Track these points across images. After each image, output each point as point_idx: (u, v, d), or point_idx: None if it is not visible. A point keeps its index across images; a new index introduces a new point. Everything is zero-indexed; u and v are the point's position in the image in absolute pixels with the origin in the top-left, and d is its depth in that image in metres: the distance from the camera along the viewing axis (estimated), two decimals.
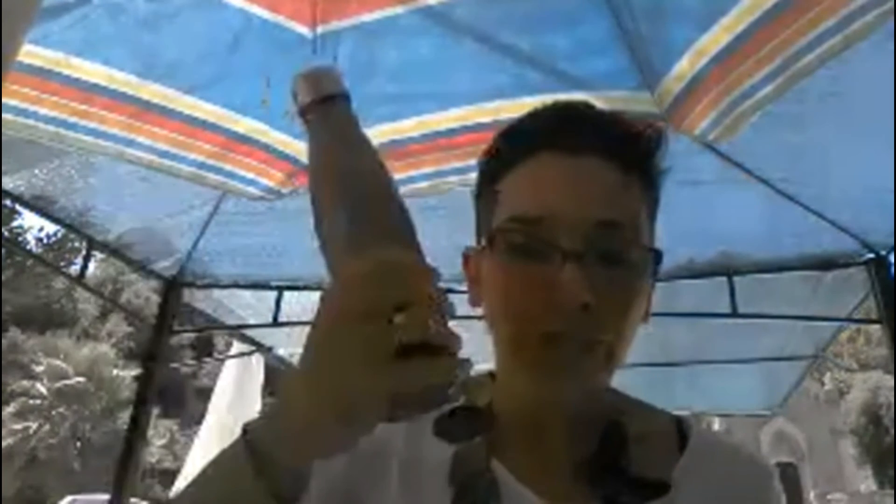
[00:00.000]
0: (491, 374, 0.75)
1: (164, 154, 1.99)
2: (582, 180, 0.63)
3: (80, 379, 25.32)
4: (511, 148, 0.69)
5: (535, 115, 0.70)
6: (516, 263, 0.64)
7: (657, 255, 0.66)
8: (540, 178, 0.65)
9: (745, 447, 0.74)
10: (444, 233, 2.71)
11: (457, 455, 0.67)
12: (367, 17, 1.81)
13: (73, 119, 1.84)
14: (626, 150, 0.65)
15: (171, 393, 29.00)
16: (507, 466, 0.66)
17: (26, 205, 2.61)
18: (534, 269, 0.62)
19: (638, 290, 0.64)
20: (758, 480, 0.70)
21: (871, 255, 2.67)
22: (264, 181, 2.13)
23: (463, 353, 0.47)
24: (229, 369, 4.61)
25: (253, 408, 4.67)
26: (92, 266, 3.61)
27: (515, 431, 0.69)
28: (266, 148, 2.05)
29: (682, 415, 0.75)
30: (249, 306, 3.62)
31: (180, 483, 4.50)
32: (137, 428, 3.20)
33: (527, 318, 0.63)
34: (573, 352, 0.62)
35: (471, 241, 0.76)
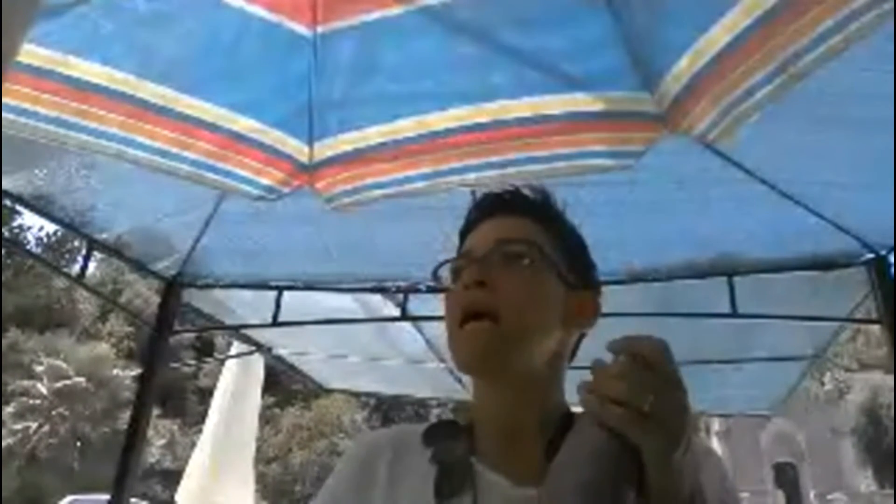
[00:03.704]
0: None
1: (163, 153, 1.98)
2: (491, 226, 0.93)
3: (80, 379, 25.32)
4: (462, 232, 0.99)
5: (472, 208, 0.99)
6: (454, 280, 0.92)
7: (576, 259, 0.93)
8: (471, 236, 0.95)
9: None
10: (442, 232, 2.72)
11: (437, 448, 0.86)
12: (367, 17, 1.81)
13: (72, 119, 1.83)
14: (516, 206, 0.95)
15: (172, 393, 29.01)
16: (484, 463, 0.84)
17: (26, 205, 2.61)
18: (459, 279, 0.89)
19: (536, 280, 0.87)
20: (703, 451, 0.85)
21: (871, 255, 2.67)
22: (264, 181, 2.13)
23: None
24: (229, 369, 4.61)
25: (253, 408, 4.67)
26: (92, 266, 3.61)
27: (489, 437, 0.87)
28: (266, 148, 2.05)
29: None
30: (249, 306, 3.62)
31: (184, 484, 4.49)
32: (137, 428, 3.20)
33: (451, 308, 0.87)
34: (474, 330, 0.83)
35: None
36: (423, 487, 0.82)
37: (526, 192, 0.98)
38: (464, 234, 0.98)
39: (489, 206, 0.96)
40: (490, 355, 0.83)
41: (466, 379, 0.95)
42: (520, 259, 0.87)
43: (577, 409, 0.82)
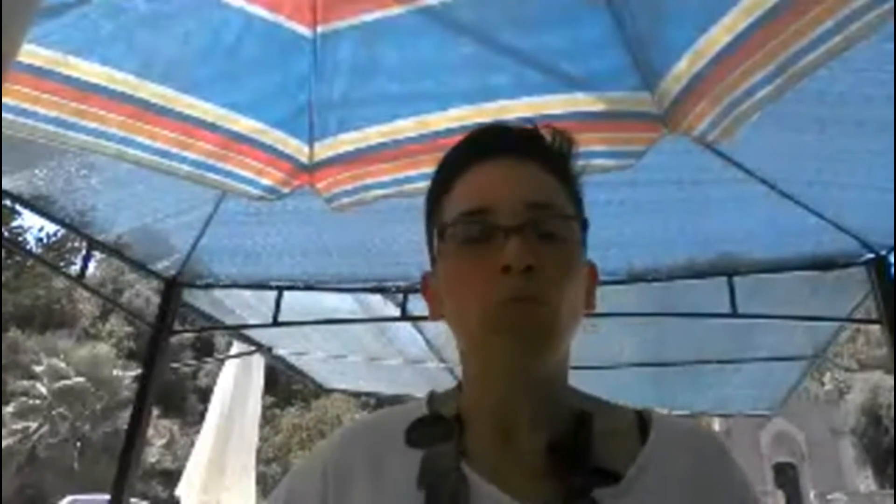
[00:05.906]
0: (459, 387, 0.83)
1: (163, 154, 1.98)
2: (508, 176, 0.78)
3: (80, 379, 25.31)
4: (451, 167, 0.82)
5: (467, 139, 0.83)
6: (468, 250, 0.75)
7: (584, 224, 0.79)
8: (477, 181, 0.78)
9: (699, 426, 0.83)
10: None
11: (425, 459, 0.74)
12: (367, 17, 1.81)
13: (72, 119, 1.83)
14: (536, 151, 0.80)
15: (172, 393, 29.02)
16: (476, 468, 0.73)
17: (26, 205, 2.61)
18: (482, 251, 0.73)
19: (573, 261, 0.76)
20: (717, 454, 0.78)
21: (871, 255, 2.67)
22: (264, 181, 2.13)
23: None
24: (229, 369, 4.61)
25: (253, 408, 4.67)
26: (92, 266, 3.62)
27: (483, 434, 0.76)
28: (266, 148, 2.05)
29: (644, 408, 0.82)
30: (249, 306, 3.62)
31: (184, 484, 4.48)
32: (137, 428, 3.20)
33: (484, 291, 0.72)
34: (526, 312, 0.71)
35: None
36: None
37: (545, 134, 0.82)
38: (457, 168, 0.80)
39: (501, 143, 0.80)
40: (541, 340, 0.72)
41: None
42: (561, 240, 0.75)
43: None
